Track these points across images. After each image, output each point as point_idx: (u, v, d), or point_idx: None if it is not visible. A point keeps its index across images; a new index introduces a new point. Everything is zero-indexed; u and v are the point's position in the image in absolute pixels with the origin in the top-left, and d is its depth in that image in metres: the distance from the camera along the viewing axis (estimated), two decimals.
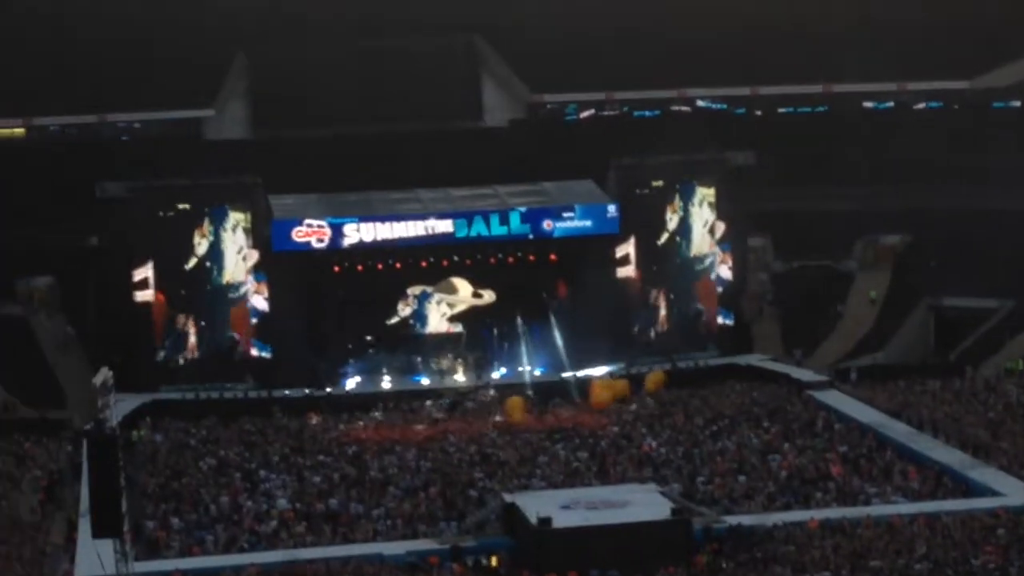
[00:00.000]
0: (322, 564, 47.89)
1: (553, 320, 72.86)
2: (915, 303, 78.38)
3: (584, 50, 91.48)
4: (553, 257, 74.96)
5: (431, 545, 49.81)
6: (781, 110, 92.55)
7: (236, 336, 72.50)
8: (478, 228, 73.23)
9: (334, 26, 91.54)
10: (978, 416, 62.10)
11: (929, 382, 67.81)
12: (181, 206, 72.17)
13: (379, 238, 72.71)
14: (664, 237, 76.17)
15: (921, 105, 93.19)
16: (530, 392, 68.93)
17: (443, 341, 74.27)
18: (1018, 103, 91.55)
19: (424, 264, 74.19)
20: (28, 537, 51.32)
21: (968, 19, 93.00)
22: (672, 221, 76.21)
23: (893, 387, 67.56)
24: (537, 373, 71.91)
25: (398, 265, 73.93)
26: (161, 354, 72.04)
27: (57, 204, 78.60)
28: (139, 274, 71.51)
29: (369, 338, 73.34)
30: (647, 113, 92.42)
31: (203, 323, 72.44)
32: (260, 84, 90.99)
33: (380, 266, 73.73)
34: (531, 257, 74.78)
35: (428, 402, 68.27)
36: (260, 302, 72.66)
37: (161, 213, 71.95)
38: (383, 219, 72.84)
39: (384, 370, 71.98)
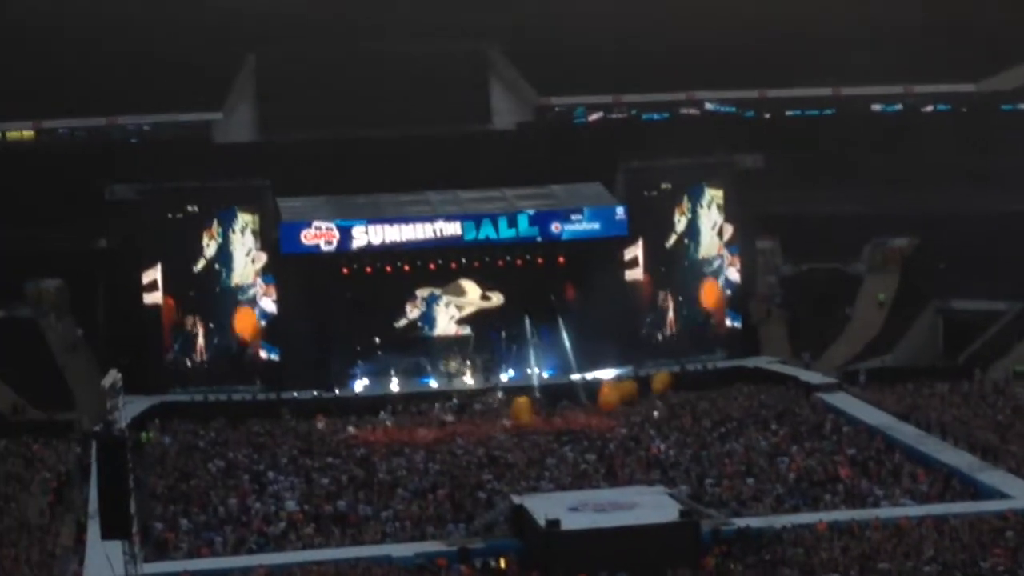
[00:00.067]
0: (330, 566, 47.97)
1: (561, 322, 72.84)
2: (923, 306, 78.30)
3: (592, 53, 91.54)
4: (561, 260, 74.95)
5: (439, 547, 49.85)
6: (789, 113, 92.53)
7: (241, 337, 72.54)
8: (486, 231, 73.26)
9: (343, 30, 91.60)
10: (986, 419, 62.09)
11: (937, 385, 67.80)
12: (190, 208, 72.26)
13: (387, 240, 72.75)
14: (672, 239, 76.19)
15: (929, 108, 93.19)
16: (538, 394, 68.94)
17: (451, 343, 74.29)
18: None
19: (432, 266, 74.21)
20: (37, 539, 51.39)
21: (976, 22, 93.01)
22: (680, 223, 76.23)
23: (902, 390, 67.54)
24: (545, 375, 71.92)
25: (406, 267, 73.96)
26: (170, 356, 72.13)
27: (66, 206, 78.73)
28: (148, 276, 71.61)
29: (377, 340, 73.33)
30: (655, 116, 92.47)
31: (211, 325, 72.52)
32: (269, 87, 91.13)
33: (388, 268, 73.76)
34: (539, 260, 74.77)
35: (436, 404, 68.29)
36: (269, 304, 72.72)
37: (170, 215, 72.03)
38: (391, 221, 72.89)
39: (392, 372, 71.97)
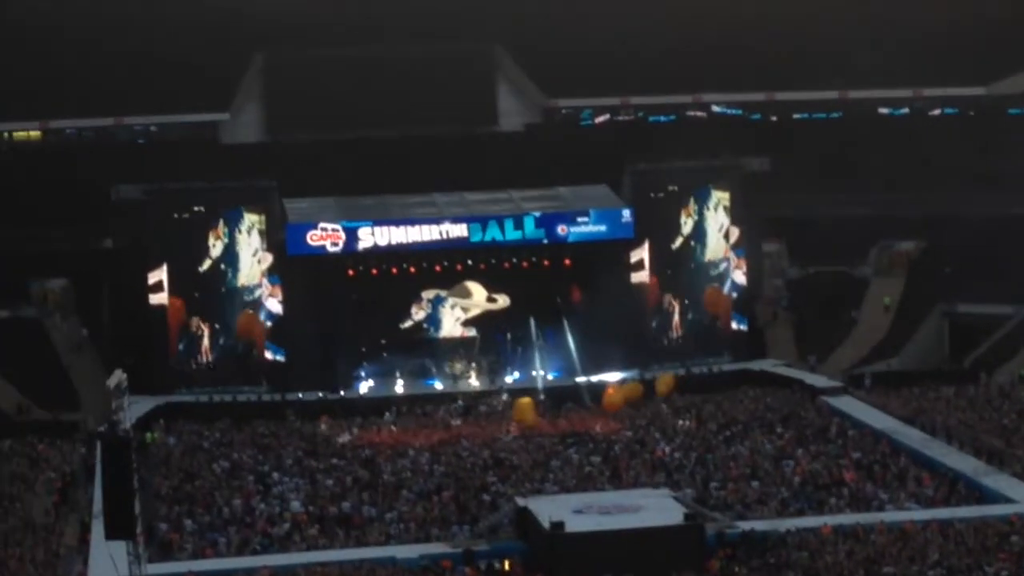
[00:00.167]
0: (335, 567, 47.98)
1: (567, 325, 72.81)
2: (930, 309, 78.24)
3: (599, 55, 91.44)
4: (567, 262, 74.91)
5: (444, 549, 49.88)
6: (796, 116, 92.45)
7: (245, 339, 72.62)
8: (492, 233, 73.27)
9: (349, 31, 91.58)
10: (992, 423, 61.99)
11: (943, 388, 67.71)
12: (196, 208, 72.29)
13: (393, 242, 72.75)
14: (679, 242, 76.18)
15: (937, 111, 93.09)
16: (542, 396, 68.89)
17: (457, 345, 74.26)
18: None
19: (438, 268, 74.21)
20: (41, 539, 51.39)
21: (984, 25, 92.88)
22: (687, 225, 76.21)
23: (907, 393, 67.46)
24: (550, 378, 71.89)
25: (412, 269, 73.96)
26: (175, 357, 72.11)
27: (72, 206, 78.76)
28: (154, 277, 71.65)
29: (383, 342, 73.31)
30: (662, 118, 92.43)
31: (217, 326, 72.52)
32: (276, 88, 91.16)
33: (394, 270, 73.76)
34: (545, 262, 74.73)
35: (442, 407, 68.27)
36: (274, 305, 72.73)
37: (176, 215, 72.05)
38: (398, 223, 72.91)
39: (397, 374, 71.96)
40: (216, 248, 72.29)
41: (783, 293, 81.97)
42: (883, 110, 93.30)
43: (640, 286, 75.37)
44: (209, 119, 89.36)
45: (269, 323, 72.77)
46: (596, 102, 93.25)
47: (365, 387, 71.85)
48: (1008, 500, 52.48)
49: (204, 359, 72.55)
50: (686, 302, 76.39)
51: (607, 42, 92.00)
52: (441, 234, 73.02)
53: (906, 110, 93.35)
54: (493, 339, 74.11)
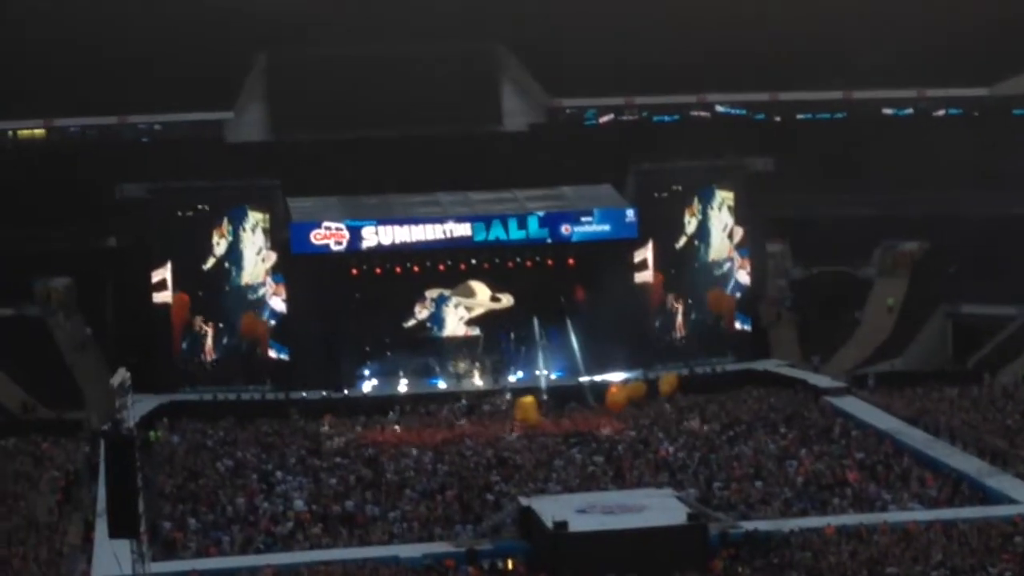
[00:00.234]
0: (338, 566, 47.98)
1: (570, 324, 72.80)
2: (933, 310, 78.22)
3: (604, 55, 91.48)
4: (571, 261, 74.88)
5: (447, 548, 49.88)
6: (800, 116, 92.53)
7: (249, 338, 72.65)
8: (496, 232, 73.28)
9: (354, 30, 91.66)
10: (996, 423, 61.97)
11: (947, 389, 67.67)
12: (200, 207, 72.29)
13: (397, 241, 72.77)
14: (682, 241, 76.15)
15: (941, 111, 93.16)
16: (545, 396, 68.89)
17: (460, 344, 74.24)
18: None
19: (442, 267, 74.19)
20: (45, 537, 51.42)
21: (988, 26, 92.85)
22: (691, 225, 76.19)
23: (910, 394, 67.43)
24: (554, 377, 71.90)
25: (416, 268, 73.96)
26: (179, 355, 72.13)
27: (76, 205, 78.91)
28: (157, 275, 71.68)
29: (387, 341, 73.32)
30: (666, 118, 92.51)
31: (221, 324, 72.54)
32: (280, 87, 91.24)
33: (398, 269, 73.75)
34: (549, 261, 74.71)
35: (445, 407, 68.28)
36: (278, 304, 72.75)
37: (179, 214, 72.07)
38: (401, 222, 72.92)
39: (401, 373, 71.95)
40: (220, 247, 72.31)
41: (787, 293, 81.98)
42: (887, 110, 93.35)
43: (644, 286, 75.34)
44: (213, 118, 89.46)
45: (273, 322, 72.79)
46: (600, 102, 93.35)
47: (369, 386, 71.86)
48: (1012, 501, 52.44)
49: (208, 358, 72.60)
50: (690, 302, 76.37)
51: (611, 42, 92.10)
52: (445, 233, 73.03)
53: (910, 110, 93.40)
54: (497, 338, 74.08)
